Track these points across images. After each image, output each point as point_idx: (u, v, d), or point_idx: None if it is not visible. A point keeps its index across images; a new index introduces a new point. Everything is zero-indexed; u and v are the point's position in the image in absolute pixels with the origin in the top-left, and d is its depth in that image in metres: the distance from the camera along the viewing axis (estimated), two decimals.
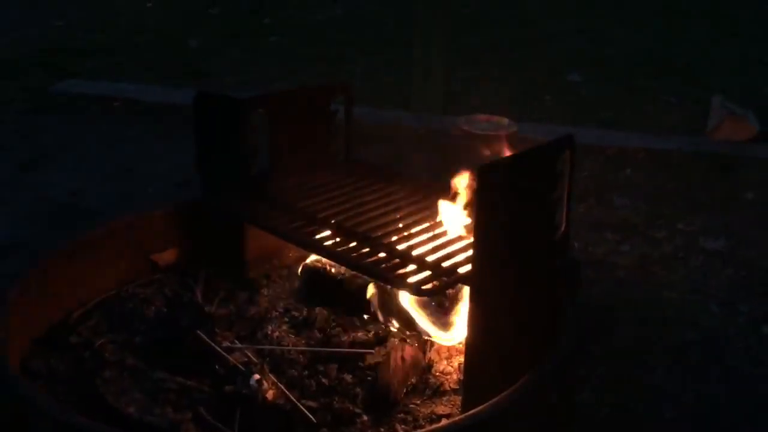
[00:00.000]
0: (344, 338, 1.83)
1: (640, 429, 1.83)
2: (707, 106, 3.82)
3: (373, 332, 1.85)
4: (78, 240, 1.99)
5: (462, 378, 1.72)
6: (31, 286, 1.82)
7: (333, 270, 1.99)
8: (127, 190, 3.07)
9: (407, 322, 1.85)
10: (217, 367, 1.70)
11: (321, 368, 1.73)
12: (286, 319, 1.93)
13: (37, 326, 1.85)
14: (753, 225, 2.78)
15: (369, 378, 1.71)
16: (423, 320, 1.85)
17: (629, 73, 4.63)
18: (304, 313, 1.95)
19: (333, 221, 1.91)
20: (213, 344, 1.74)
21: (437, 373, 1.80)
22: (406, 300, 1.85)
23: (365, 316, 1.91)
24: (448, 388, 1.76)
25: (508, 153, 1.90)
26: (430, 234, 1.86)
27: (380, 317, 1.90)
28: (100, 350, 1.79)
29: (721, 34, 5.50)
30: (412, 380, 1.76)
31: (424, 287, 1.63)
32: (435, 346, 1.85)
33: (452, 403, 1.71)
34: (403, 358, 1.72)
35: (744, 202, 2.95)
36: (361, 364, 1.75)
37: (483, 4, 6.22)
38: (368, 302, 1.90)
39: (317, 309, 1.94)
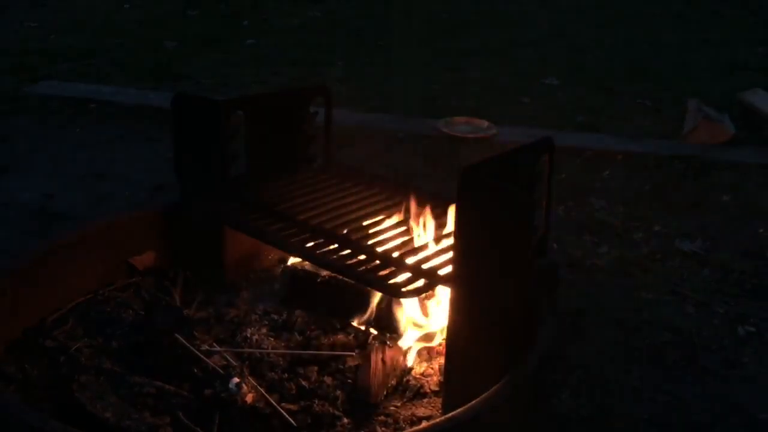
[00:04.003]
0: (324, 341, 1.83)
1: (617, 431, 1.85)
2: (682, 109, 3.86)
3: (353, 335, 1.85)
4: (53, 243, 1.96)
5: (442, 380, 1.72)
6: (5, 289, 1.79)
7: (313, 272, 1.98)
8: (101, 193, 3.04)
9: (388, 324, 1.85)
10: (195, 370, 1.69)
11: (301, 371, 1.72)
12: (266, 322, 1.92)
13: (11, 330, 1.82)
14: (728, 227, 2.81)
15: (349, 381, 1.70)
16: (403, 322, 1.84)
17: (605, 77, 4.67)
18: (284, 315, 1.94)
19: (313, 223, 1.90)
20: (192, 347, 1.72)
21: (418, 375, 1.80)
22: (388, 302, 1.84)
23: (345, 319, 1.91)
24: (429, 390, 1.76)
25: (488, 155, 1.90)
26: (410, 236, 1.86)
27: (362, 319, 1.89)
28: (76, 354, 1.77)
29: (693, 39, 5.57)
30: (393, 382, 1.75)
31: (405, 289, 1.63)
32: (415, 348, 1.85)
33: (433, 405, 1.71)
34: (383, 361, 1.71)
35: (720, 204, 2.99)
36: (341, 366, 1.74)
37: (460, 10, 6.25)
38: (348, 304, 1.90)
39: (297, 312, 1.93)
